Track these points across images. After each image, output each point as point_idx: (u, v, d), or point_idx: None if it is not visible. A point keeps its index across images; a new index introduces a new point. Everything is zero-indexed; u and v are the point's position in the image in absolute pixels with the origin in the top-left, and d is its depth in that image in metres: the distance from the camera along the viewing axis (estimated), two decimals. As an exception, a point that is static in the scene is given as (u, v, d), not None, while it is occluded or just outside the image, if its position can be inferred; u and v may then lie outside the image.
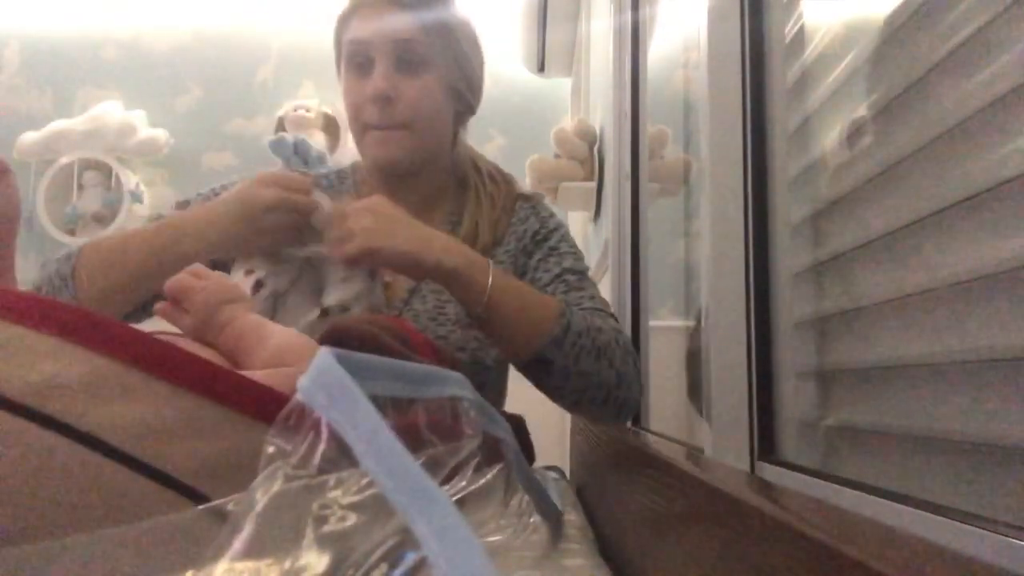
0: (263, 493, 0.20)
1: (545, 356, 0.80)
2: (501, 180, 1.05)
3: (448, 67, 0.94)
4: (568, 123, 1.94)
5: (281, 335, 0.54)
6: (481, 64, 1.02)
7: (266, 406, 0.31)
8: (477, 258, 0.79)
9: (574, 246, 1.01)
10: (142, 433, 0.28)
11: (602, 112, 1.72)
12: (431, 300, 0.95)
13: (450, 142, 1.02)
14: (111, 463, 0.27)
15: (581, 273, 0.96)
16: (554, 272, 0.95)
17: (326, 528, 0.21)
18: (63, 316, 0.30)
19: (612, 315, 0.93)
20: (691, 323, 1.07)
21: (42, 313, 0.30)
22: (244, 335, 0.54)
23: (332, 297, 0.77)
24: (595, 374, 0.82)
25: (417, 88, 0.91)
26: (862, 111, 0.58)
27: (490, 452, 0.38)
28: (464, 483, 0.31)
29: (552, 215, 1.04)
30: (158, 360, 0.30)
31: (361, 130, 0.94)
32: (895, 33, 0.54)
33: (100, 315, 0.31)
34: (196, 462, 0.29)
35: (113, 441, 0.27)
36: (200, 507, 0.26)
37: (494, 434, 0.38)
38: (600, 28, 1.83)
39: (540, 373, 0.82)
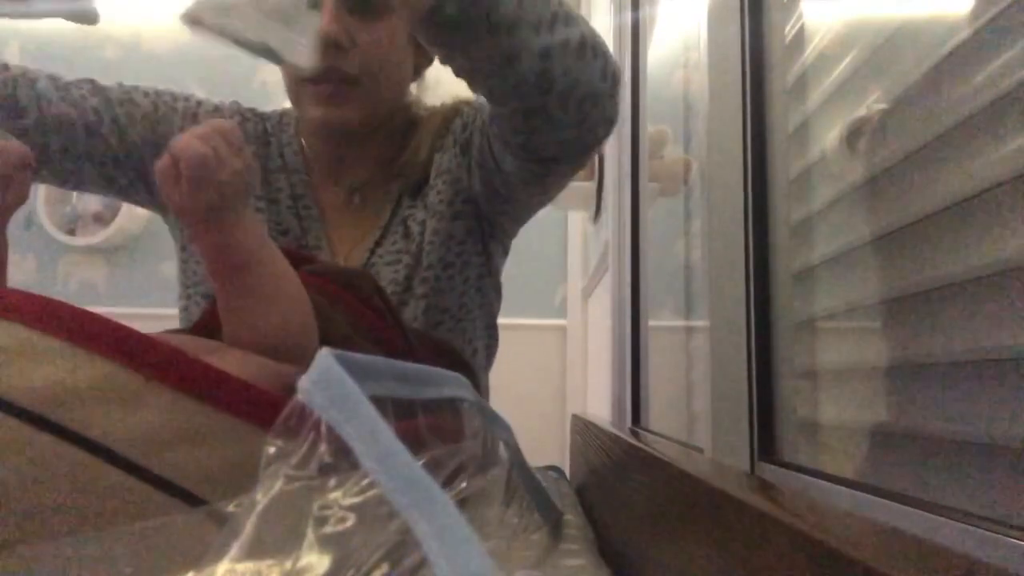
0: (264, 494, 0.20)
1: None
2: (449, 100, 0.90)
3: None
4: (568, 123, 1.93)
5: (292, 285, 0.45)
6: None
7: (273, 414, 0.31)
8: None
9: None
10: (147, 441, 0.28)
11: (602, 112, 1.72)
12: (387, 283, 0.81)
13: (406, 98, 0.86)
14: (116, 470, 0.27)
15: None
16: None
17: (327, 529, 0.21)
18: (70, 319, 0.30)
19: None
20: (692, 323, 1.07)
21: (49, 315, 0.30)
22: (254, 270, 0.44)
23: None
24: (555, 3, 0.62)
25: (373, 34, 0.73)
26: (862, 111, 0.58)
27: (490, 453, 0.38)
28: (465, 484, 0.31)
29: None
30: (164, 366, 0.30)
31: (297, 84, 0.76)
32: (895, 32, 0.54)
33: (107, 319, 0.31)
34: (201, 470, 0.29)
35: (118, 449, 0.27)
36: (201, 508, 0.26)
37: (494, 435, 0.38)
38: (600, 28, 1.83)
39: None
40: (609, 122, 0.71)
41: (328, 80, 0.73)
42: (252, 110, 0.91)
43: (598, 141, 0.73)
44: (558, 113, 0.64)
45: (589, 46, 0.63)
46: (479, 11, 0.57)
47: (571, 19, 0.62)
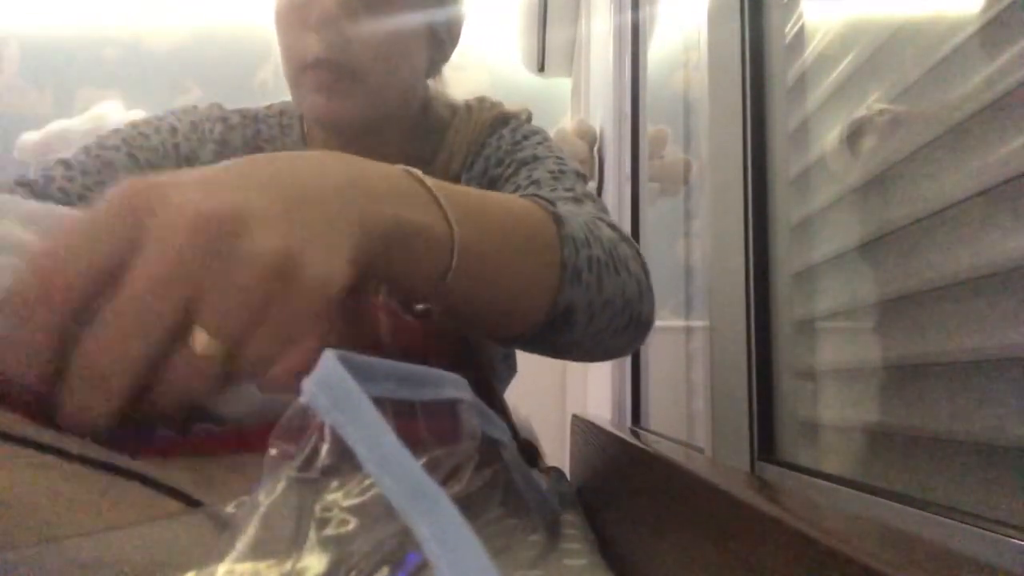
0: (266, 496, 0.20)
1: (565, 303, 0.49)
2: (483, 105, 0.80)
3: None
4: (568, 123, 1.94)
5: None
6: (462, 5, 0.78)
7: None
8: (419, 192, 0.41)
9: (555, 151, 0.73)
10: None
11: (602, 112, 1.73)
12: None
13: (420, 95, 0.76)
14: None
15: (559, 173, 0.68)
16: (523, 185, 0.67)
17: (328, 531, 0.21)
18: None
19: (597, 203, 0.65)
20: (692, 323, 1.08)
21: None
22: None
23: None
24: (619, 294, 0.53)
25: (383, 22, 0.66)
26: (862, 111, 0.58)
27: (488, 453, 0.38)
28: (462, 485, 0.31)
29: (535, 132, 0.76)
30: None
31: (297, 72, 0.68)
32: (895, 32, 0.54)
33: None
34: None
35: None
36: (201, 509, 0.26)
37: (491, 435, 0.38)
38: (600, 28, 1.83)
39: (558, 330, 0.51)
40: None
41: (327, 69, 0.65)
42: (240, 111, 0.79)
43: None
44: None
45: (636, 313, 0.55)
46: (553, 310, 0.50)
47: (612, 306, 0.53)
